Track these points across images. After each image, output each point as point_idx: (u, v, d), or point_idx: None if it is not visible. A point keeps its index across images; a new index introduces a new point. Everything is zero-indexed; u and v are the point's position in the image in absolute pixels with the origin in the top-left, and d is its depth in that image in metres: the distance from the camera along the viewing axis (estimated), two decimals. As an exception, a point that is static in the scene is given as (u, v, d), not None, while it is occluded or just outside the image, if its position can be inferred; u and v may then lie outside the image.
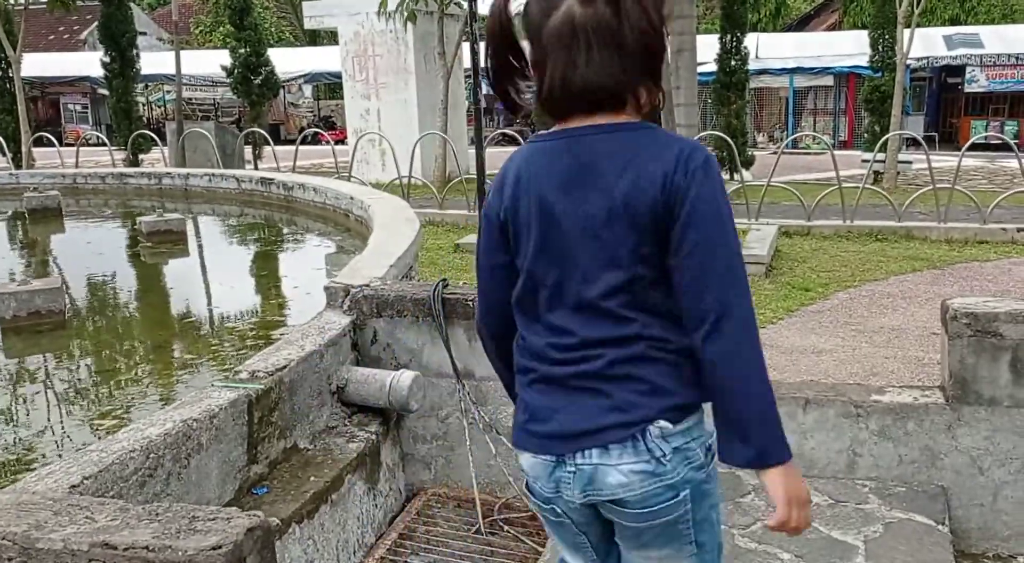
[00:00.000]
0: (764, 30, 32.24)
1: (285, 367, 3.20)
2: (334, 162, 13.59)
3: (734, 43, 14.30)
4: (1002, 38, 25.13)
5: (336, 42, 17.04)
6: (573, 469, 1.49)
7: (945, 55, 24.11)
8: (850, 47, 24.44)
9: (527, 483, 1.61)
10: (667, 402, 1.46)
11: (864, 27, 30.46)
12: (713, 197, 1.41)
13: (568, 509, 1.56)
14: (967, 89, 24.80)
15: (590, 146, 1.46)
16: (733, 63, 14.34)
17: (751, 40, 26.76)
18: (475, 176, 9.18)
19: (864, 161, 13.07)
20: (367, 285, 3.87)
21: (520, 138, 13.82)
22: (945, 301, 3.25)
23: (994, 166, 17.11)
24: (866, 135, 13.98)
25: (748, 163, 14.63)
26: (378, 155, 15.40)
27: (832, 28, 35.01)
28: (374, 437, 3.47)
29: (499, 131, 13.09)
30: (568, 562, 1.70)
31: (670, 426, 1.45)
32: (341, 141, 20.63)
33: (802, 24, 38.91)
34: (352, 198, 6.77)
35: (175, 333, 4.73)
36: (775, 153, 22.59)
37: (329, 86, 30.96)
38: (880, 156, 12.82)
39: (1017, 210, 9.42)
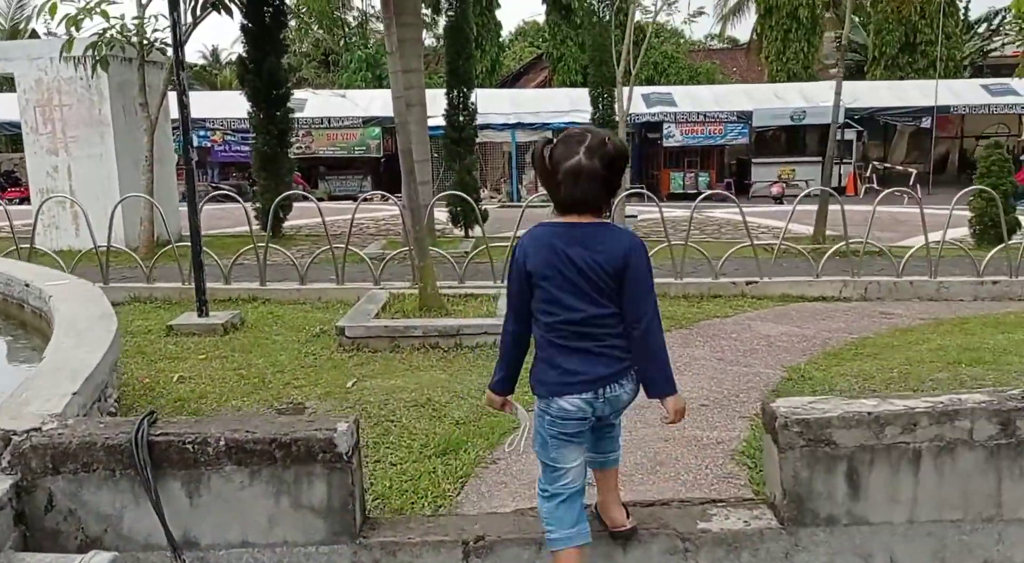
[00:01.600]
0: (481, 86, 33.11)
1: None
2: (10, 227, 11.49)
3: (461, 99, 14.12)
4: (692, 97, 27.60)
5: (13, 88, 14.78)
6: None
7: (645, 112, 25.98)
8: (565, 104, 25.61)
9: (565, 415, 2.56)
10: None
11: (572, 85, 32.29)
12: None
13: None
14: (665, 144, 26.83)
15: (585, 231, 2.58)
16: (461, 119, 14.15)
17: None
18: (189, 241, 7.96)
19: (594, 216, 13.37)
20: (37, 430, 2.79)
21: (238, 193, 12.61)
22: (769, 405, 2.83)
23: (701, 216, 18.37)
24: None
25: (483, 218, 14.46)
26: (70, 218, 13.43)
27: (542, 85, 36.80)
28: (50, 663, 2.41)
29: (217, 192, 11.82)
30: (564, 465, 2.56)
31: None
32: (26, 199, 18.01)
33: (515, 80, 40.63)
34: (27, 285, 5.41)
35: None
36: (502, 206, 22.96)
37: (11, 137, 27.36)
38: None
39: (738, 262, 9.77)
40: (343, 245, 9.47)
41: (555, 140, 2.60)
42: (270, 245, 9.65)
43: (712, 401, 5.47)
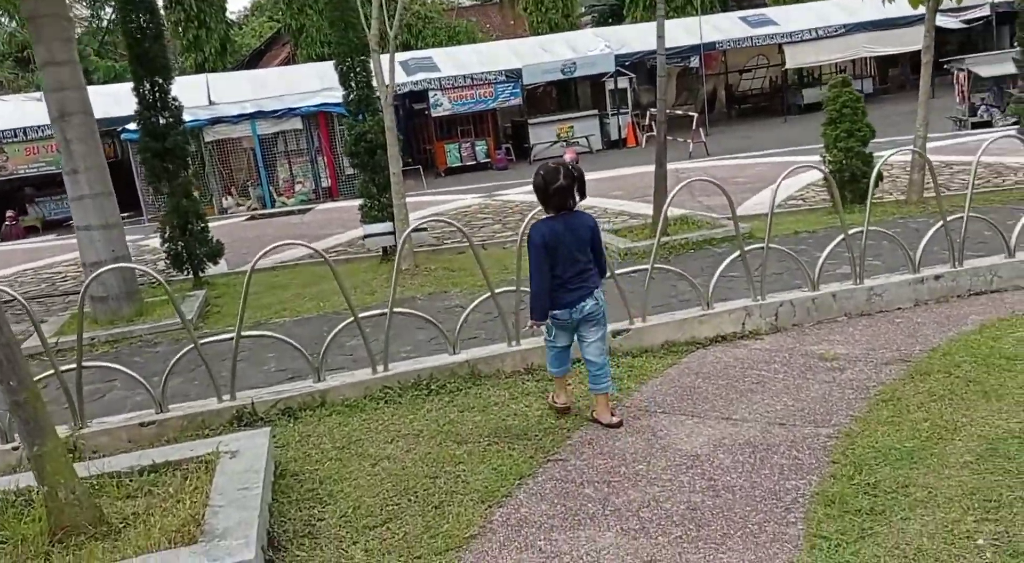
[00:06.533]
0: (213, 70, 28.33)
1: None
2: None
3: (157, 94, 10.15)
4: (455, 60, 24.72)
5: None
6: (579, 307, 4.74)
7: (408, 81, 22.85)
8: (315, 82, 21.80)
9: (556, 316, 4.75)
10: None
11: (319, 58, 28.28)
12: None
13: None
14: (434, 113, 24.02)
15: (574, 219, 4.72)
16: (163, 121, 10.19)
17: (199, 82, 22.69)
18: None
19: (368, 237, 9.89)
20: None
21: None
22: None
23: (496, 202, 15.44)
24: (364, 200, 10.73)
25: (216, 254, 10.61)
26: None
27: (287, 62, 32.57)
28: None
29: None
30: (559, 344, 4.89)
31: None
32: None
33: (255, 61, 36.05)
34: None
35: None
36: (253, 218, 18.93)
37: None
38: (382, 227, 9.72)
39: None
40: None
41: (542, 171, 4.61)
42: None
43: None
